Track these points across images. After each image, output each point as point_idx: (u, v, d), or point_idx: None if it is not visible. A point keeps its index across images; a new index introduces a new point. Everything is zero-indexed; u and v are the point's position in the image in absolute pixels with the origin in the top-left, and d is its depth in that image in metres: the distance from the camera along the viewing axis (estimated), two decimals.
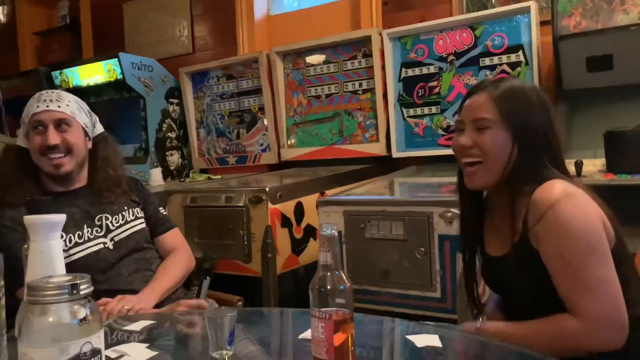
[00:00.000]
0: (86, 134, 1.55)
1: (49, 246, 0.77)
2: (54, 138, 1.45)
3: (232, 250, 2.21)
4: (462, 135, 1.12)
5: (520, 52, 2.34)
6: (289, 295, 2.30)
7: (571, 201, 0.99)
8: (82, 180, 1.58)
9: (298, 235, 2.28)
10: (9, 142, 1.91)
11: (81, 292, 0.69)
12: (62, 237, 1.44)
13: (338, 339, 0.74)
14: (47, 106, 1.46)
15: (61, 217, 0.78)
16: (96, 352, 0.69)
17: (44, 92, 1.51)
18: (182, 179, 3.18)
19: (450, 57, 2.49)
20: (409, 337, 0.88)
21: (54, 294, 0.67)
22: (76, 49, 4.12)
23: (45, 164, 1.47)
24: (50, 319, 0.67)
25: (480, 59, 2.42)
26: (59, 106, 1.47)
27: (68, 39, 4.20)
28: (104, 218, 1.52)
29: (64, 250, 1.42)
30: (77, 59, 3.78)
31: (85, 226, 1.50)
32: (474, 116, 1.10)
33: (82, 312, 0.69)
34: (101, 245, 1.49)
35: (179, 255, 1.62)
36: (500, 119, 1.07)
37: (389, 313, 1.61)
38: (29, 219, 0.76)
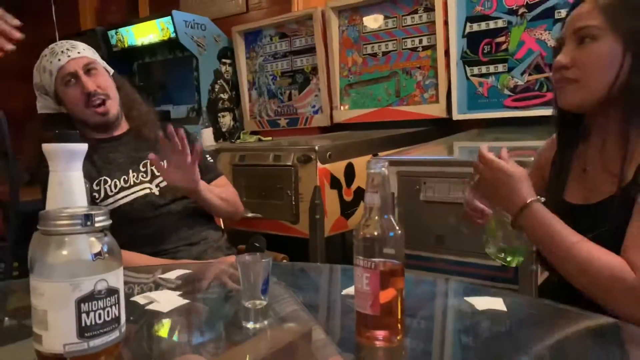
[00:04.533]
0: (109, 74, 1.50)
1: (68, 177, 0.70)
2: (90, 85, 1.40)
3: (279, 211, 2.14)
4: (561, 53, 0.94)
5: None
6: (336, 259, 2.21)
7: None
8: (123, 126, 1.55)
9: (348, 197, 2.17)
10: None
11: (96, 225, 0.62)
12: (107, 182, 1.43)
13: (385, 292, 0.64)
14: (69, 56, 1.40)
15: (82, 147, 0.71)
16: (112, 291, 0.62)
17: (52, 45, 1.43)
18: (233, 140, 3.13)
19: (522, 10, 2.26)
20: (468, 299, 0.76)
21: (66, 224, 0.60)
22: (134, 9, 4.13)
23: (90, 116, 1.44)
24: (63, 252, 0.61)
25: (556, 11, 2.18)
26: (78, 52, 1.42)
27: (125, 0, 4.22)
28: (149, 164, 1.48)
29: (110, 196, 1.41)
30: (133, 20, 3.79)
31: (130, 171, 1.47)
32: (575, 26, 0.92)
33: (97, 247, 0.62)
34: (147, 190, 1.46)
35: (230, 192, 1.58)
36: (607, 25, 0.88)
37: None
38: (47, 146, 0.69)
